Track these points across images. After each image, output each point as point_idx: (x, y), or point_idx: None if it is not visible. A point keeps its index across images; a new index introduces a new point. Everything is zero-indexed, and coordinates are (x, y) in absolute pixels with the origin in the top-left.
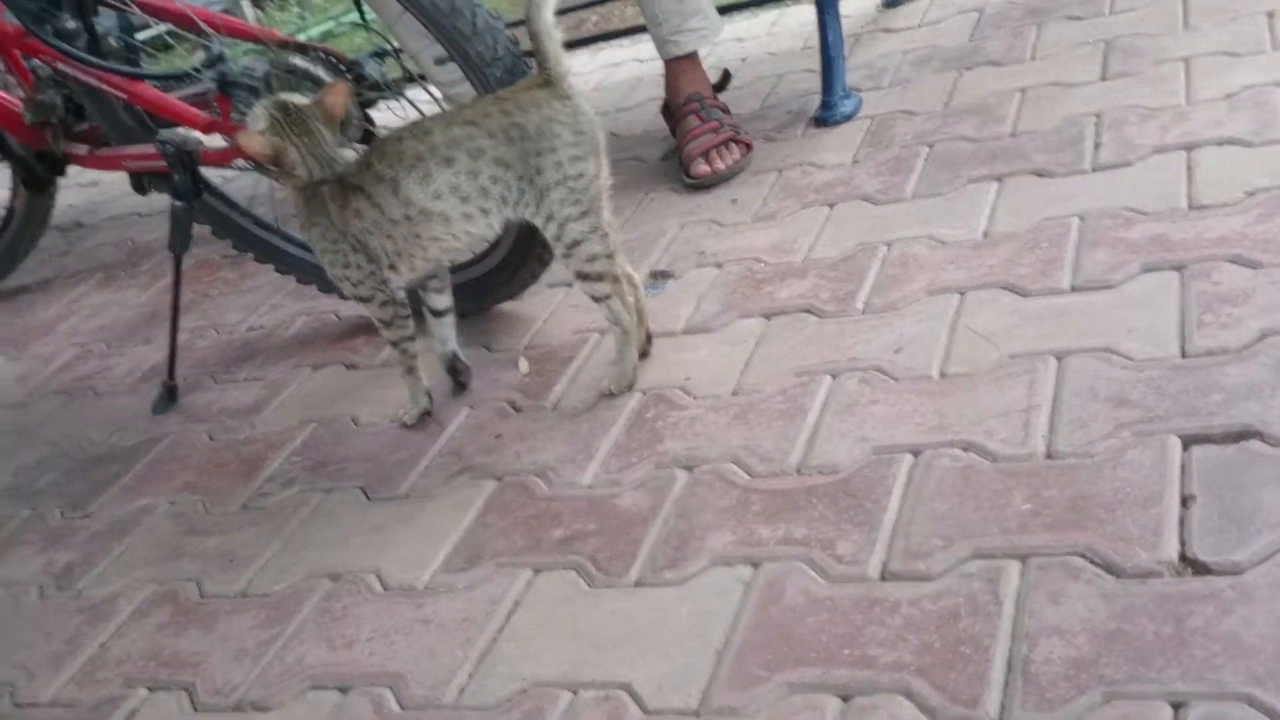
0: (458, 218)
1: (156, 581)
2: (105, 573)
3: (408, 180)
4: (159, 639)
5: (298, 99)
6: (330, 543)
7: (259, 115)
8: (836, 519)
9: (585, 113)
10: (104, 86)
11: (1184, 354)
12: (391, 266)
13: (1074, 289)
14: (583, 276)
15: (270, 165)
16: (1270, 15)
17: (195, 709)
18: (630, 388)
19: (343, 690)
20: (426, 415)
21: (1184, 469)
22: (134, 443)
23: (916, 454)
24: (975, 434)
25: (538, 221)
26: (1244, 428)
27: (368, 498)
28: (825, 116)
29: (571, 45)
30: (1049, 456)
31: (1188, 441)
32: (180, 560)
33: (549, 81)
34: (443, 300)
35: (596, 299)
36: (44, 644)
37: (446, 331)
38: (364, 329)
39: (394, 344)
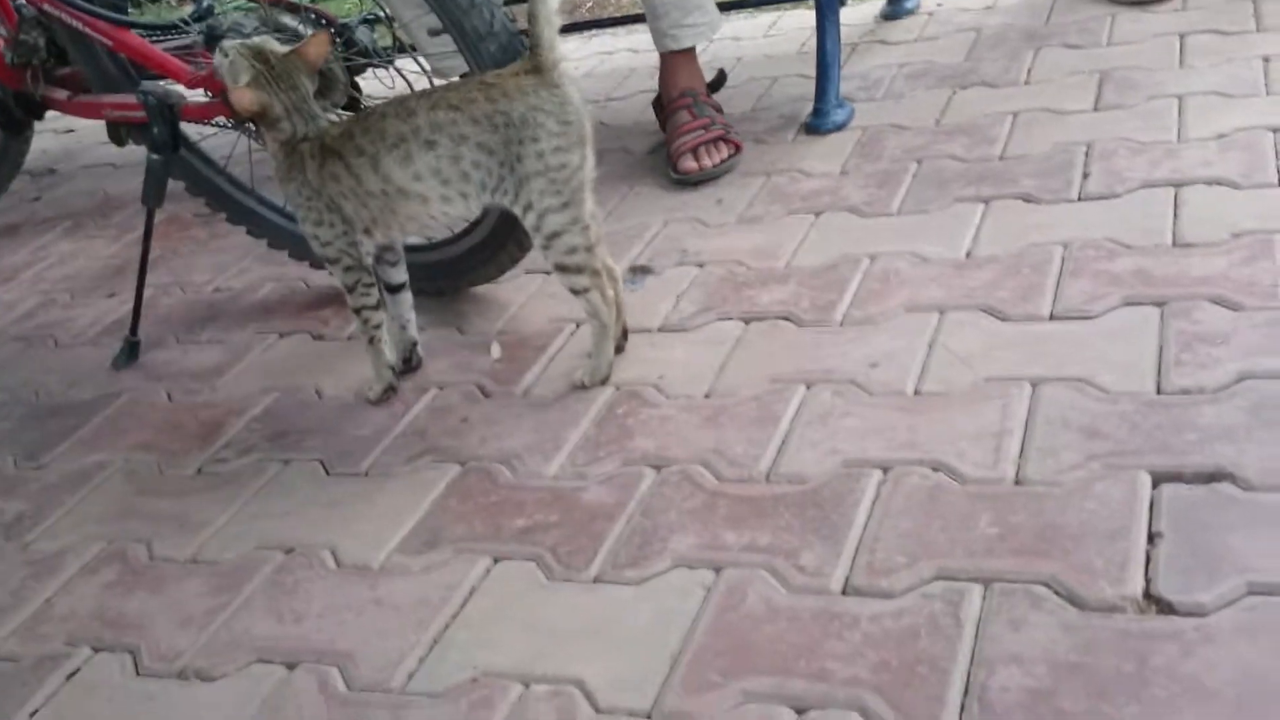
0: (436, 199)
1: (106, 539)
2: (55, 526)
3: (388, 159)
4: (106, 598)
5: (275, 46)
6: (285, 514)
7: (240, 66)
8: (802, 529)
9: (573, 103)
10: (90, 31)
11: (1159, 390)
12: (366, 231)
13: (1053, 317)
14: (561, 269)
15: (255, 120)
16: (1266, 59)
17: (138, 673)
18: (604, 382)
19: (289, 665)
20: (391, 391)
21: (1153, 506)
22: (92, 396)
23: (886, 470)
24: (946, 454)
25: (516, 210)
26: (1216, 469)
27: (327, 471)
28: (817, 124)
29: (565, 30)
30: (1018, 482)
31: (1158, 479)
32: (132, 520)
33: (539, 68)
34: (398, 275)
35: (575, 291)
36: None
37: (406, 312)
38: (333, 299)
39: (357, 311)
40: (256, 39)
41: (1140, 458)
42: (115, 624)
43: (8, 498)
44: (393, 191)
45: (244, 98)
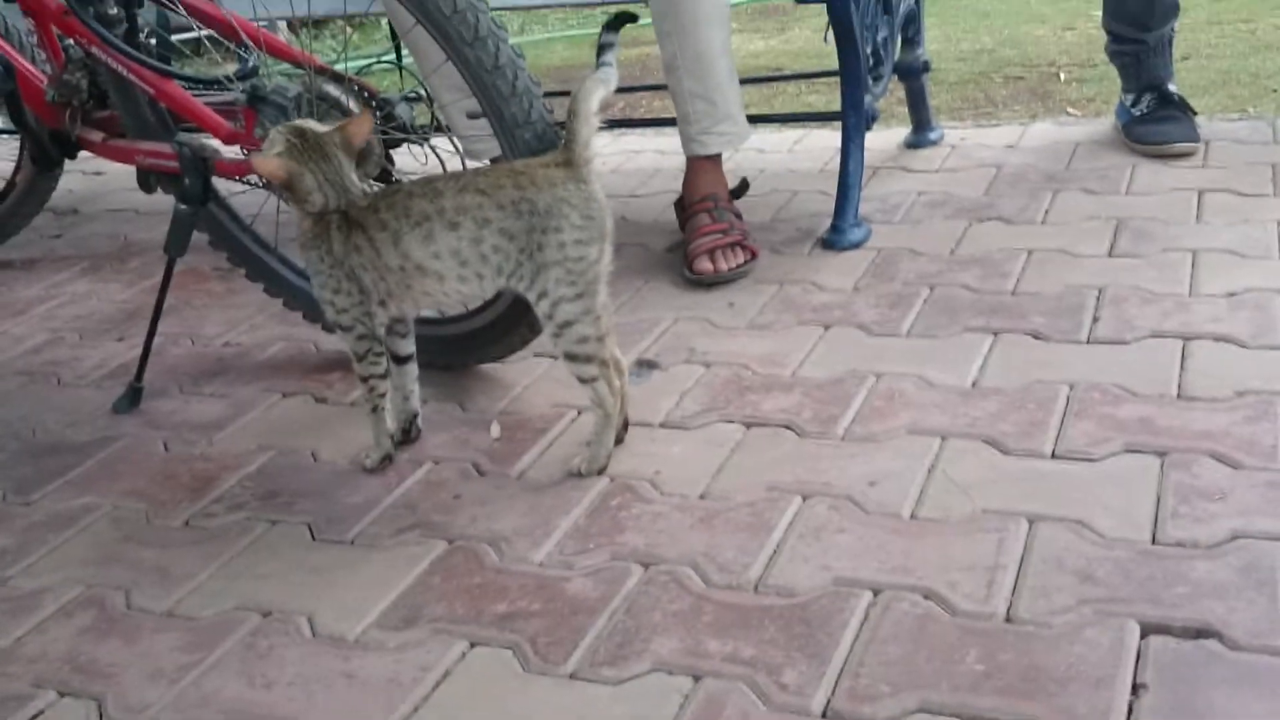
0: (453, 278)
1: (86, 584)
2: (36, 565)
3: (410, 236)
4: (78, 643)
5: (315, 125)
6: (267, 576)
7: (274, 139)
8: (787, 645)
9: (597, 199)
10: (134, 78)
11: (1154, 540)
12: (382, 303)
13: (1055, 455)
14: (571, 357)
15: (284, 189)
16: None
17: None
18: (600, 472)
19: None
20: (388, 461)
21: (1139, 656)
22: (89, 438)
23: (877, 592)
24: (938, 583)
25: (530, 296)
26: (1204, 625)
27: (313, 536)
28: (834, 240)
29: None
30: (1009, 620)
31: (1147, 630)
32: (114, 566)
33: (570, 163)
34: (406, 346)
35: (582, 380)
36: None
37: (410, 384)
38: (340, 364)
39: (364, 379)
40: (298, 121)
41: (1131, 606)
42: (85, 670)
43: None
44: (411, 268)
45: (267, 165)
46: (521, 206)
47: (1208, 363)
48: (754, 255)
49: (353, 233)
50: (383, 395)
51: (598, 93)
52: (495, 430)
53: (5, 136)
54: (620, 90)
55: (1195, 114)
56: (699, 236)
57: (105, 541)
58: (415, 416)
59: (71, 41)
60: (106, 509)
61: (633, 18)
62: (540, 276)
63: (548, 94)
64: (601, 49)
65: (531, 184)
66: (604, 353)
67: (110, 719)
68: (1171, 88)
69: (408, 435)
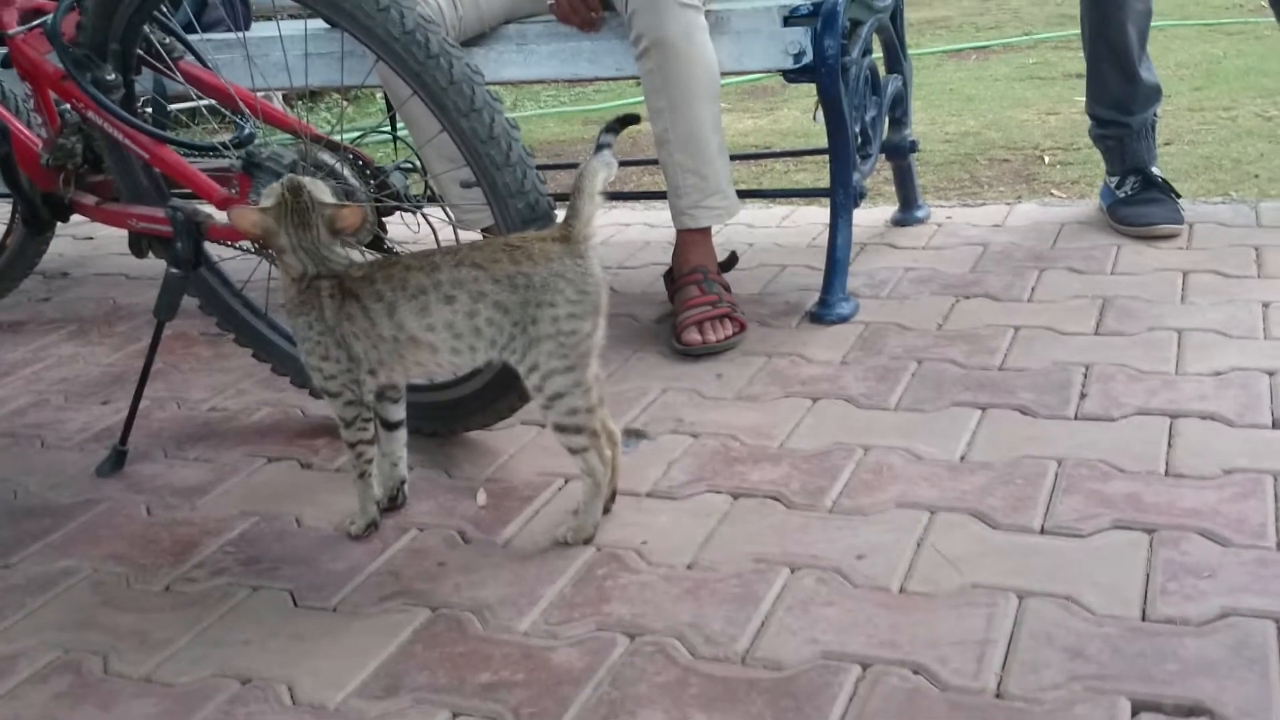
0: (446, 350)
1: (63, 648)
2: (13, 629)
3: (405, 308)
4: (53, 708)
5: (318, 185)
6: (247, 642)
7: (271, 191)
8: (774, 719)
9: (594, 275)
10: (129, 143)
11: (1144, 617)
12: (371, 371)
13: (1044, 530)
14: (561, 429)
15: (261, 245)
16: (1265, 305)
17: None
18: (588, 542)
19: None
20: (373, 528)
21: None
22: (70, 501)
23: (865, 666)
24: (927, 658)
25: (520, 369)
26: (1195, 703)
27: (295, 603)
28: (822, 313)
29: None
30: (999, 695)
31: (1138, 707)
32: (92, 631)
33: (568, 238)
34: (397, 412)
35: (573, 451)
36: None
37: (399, 451)
38: (326, 430)
39: (351, 445)
40: (309, 179)
41: (1121, 683)
42: None
43: None
44: (405, 339)
45: (244, 219)
46: (517, 280)
47: (1195, 440)
48: (742, 328)
49: (346, 301)
50: (369, 461)
51: (602, 173)
52: (481, 498)
53: None
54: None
55: (1179, 196)
56: (688, 308)
57: (84, 605)
58: (403, 483)
59: (68, 106)
60: (86, 572)
61: (635, 119)
62: (532, 350)
63: (540, 167)
64: (600, 147)
65: (528, 259)
66: (593, 423)
67: None
68: (1155, 171)
69: (394, 502)
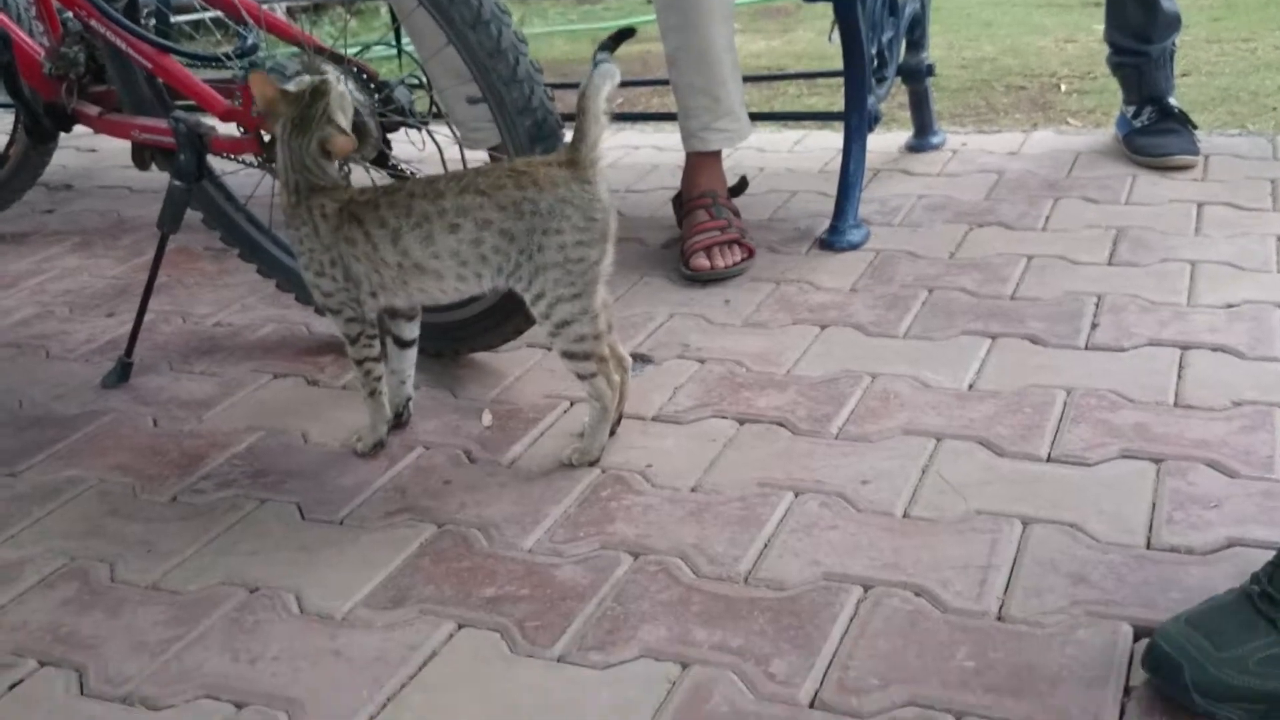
0: (451, 277)
1: (69, 556)
2: (19, 536)
3: (410, 235)
4: (60, 614)
5: (344, 103)
6: (254, 553)
7: (300, 83)
8: (776, 636)
9: (601, 200)
10: (132, 53)
11: (1149, 545)
12: (373, 294)
13: (1050, 459)
14: (568, 355)
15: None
16: (1279, 238)
17: (83, 692)
18: (593, 464)
19: (237, 705)
20: (380, 446)
21: (1132, 659)
22: (76, 412)
23: (867, 588)
24: (929, 581)
25: (527, 296)
26: None
27: (302, 516)
28: (832, 240)
29: None
30: (1000, 618)
31: (1140, 633)
32: (98, 540)
33: (575, 163)
34: (410, 330)
35: (581, 376)
36: None
37: (407, 368)
38: (333, 347)
39: (358, 363)
40: (342, 93)
41: (1124, 610)
42: (66, 641)
43: None
44: (409, 266)
45: (262, 85)
46: (523, 207)
47: (1205, 372)
48: (751, 253)
49: (346, 224)
50: (378, 379)
51: (605, 89)
52: (487, 418)
53: (0, 110)
54: (621, 85)
55: (1195, 128)
56: (696, 233)
57: (90, 515)
58: (408, 401)
59: (70, 14)
60: (93, 482)
61: (631, 32)
62: (539, 277)
63: (547, 86)
64: (598, 63)
65: (534, 184)
66: (601, 350)
67: (91, 690)
68: (1172, 101)
69: (399, 419)
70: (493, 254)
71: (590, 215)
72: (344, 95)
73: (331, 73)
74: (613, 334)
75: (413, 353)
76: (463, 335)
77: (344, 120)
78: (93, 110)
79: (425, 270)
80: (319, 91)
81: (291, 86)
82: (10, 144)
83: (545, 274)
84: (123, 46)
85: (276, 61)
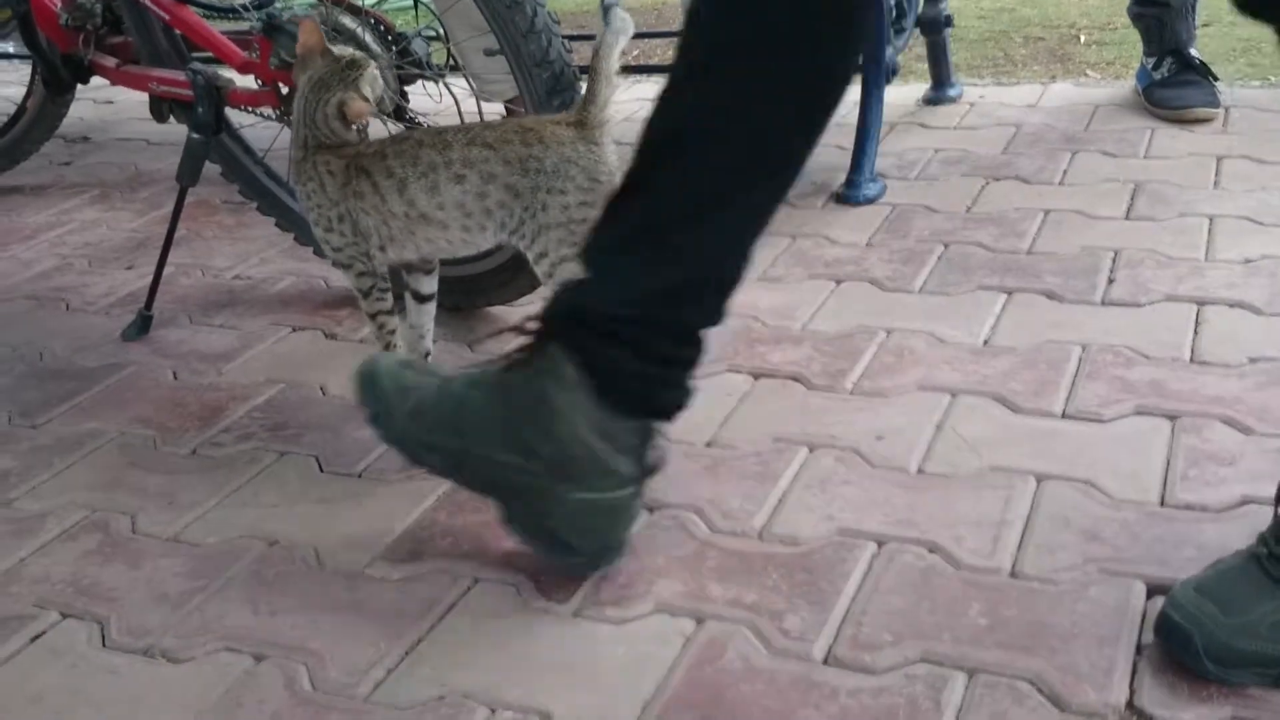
0: (456, 229)
1: (90, 508)
2: (41, 488)
3: (416, 185)
4: (82, 565)
5: (374, 81)
6: (274, 506)
7: (341, 52)
8: (789, 592)
9: (607, 162)
10: (149, 3)
11: (1163, 503)
12: (381, 248)
13: (1065, 415)
14: None
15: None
16: None
17: (104, 644)
18: None
19: (257, 658)
20: None
21: (1144, 617)
22: (96, 364)
23: (881, 544)
24: (943, 537)
25: (530, 255)
26: None
27: (321, 469)
28: (848, 195)
29: None
30: (1013, 575)
31: (1153, 590)
32: (119, 492)
33: (583, 123)
34: (429, 285)
35: None
36: None
37: (426, 322)
38: (350, 301)
39: (371, 316)
40: (378, 72)
41: (1137, 567)
42: (88, 592)
43: None
44: (415, 216)
45: (311, 33)
46: (529, 164)
47: (1222, 328)
48: None
49: (354, 177)
50: (392, 332)
51: (618, 47)
52: None
53: (17, 61)
54: (636, 37)
55: (1216, 80)
56: None
57: (111, 467)
58: (426, 355)
59: None
60: (113, 435)
61: None
62: (541, 236)
63: (565, 37)
64: (608, 8)
65: (539, 141)
66: None
67: (112, 641)
68: (1193, 52)
69: None
70: (497, 209)
71: (594, 176)
72: (378, 80)
73: (372, 65)
74: None
75: (431, 307)
76: (479, 289)
77: (370, 93)
78: (110, 62)
79: (431, 221)
80: (357, 64)
81: (332, 50)
82: (27, 95)
83: (547, 233)
84: None
85: (294, 13)
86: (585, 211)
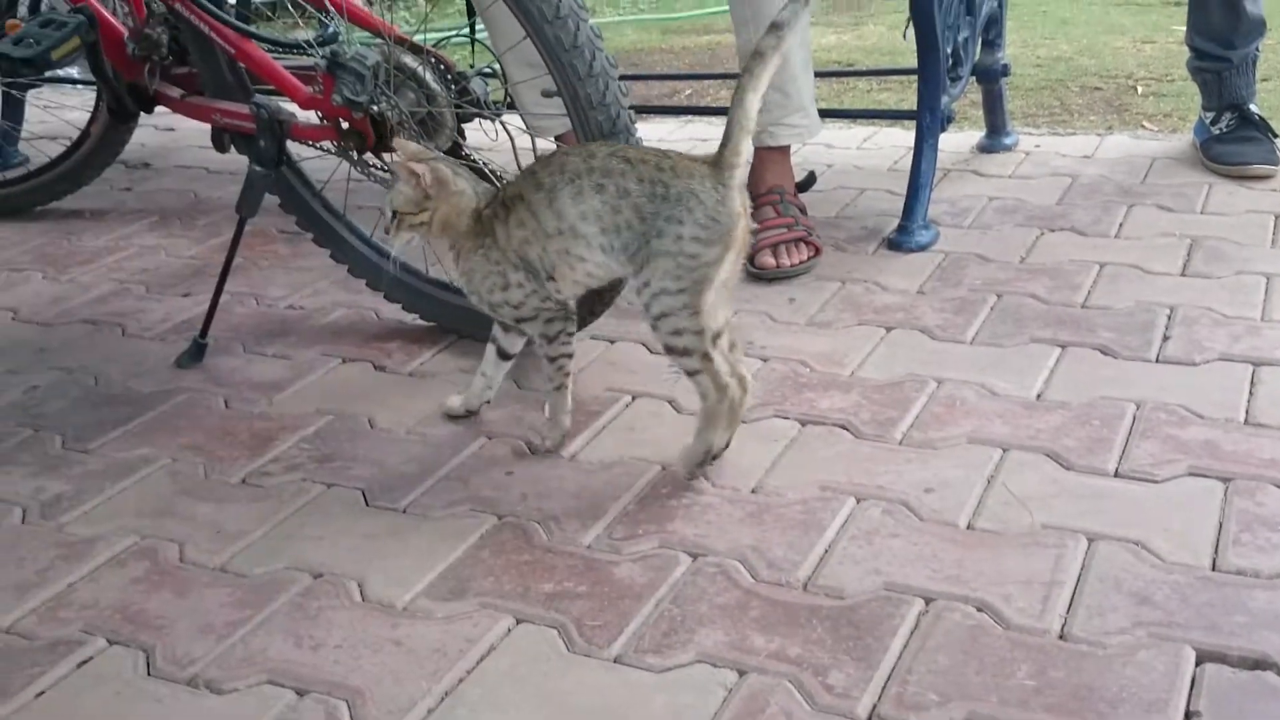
0: (596, 247)
1: (140, 534)
2: (92, 513)
3: (563, 192)
4: (130, 593)
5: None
6: (320, 538)
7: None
8: (834, 646)
9: (730, 206)
10: (215, 37)
11: (1214, 567)
12: (550, 278)
13: (1117, 474)
14: (669, 349)
15: (431, 192)
16: None
17: (149, 672)
18: (693, 475)
19: (299, 692)
20: (564, 441)
21: (1194, 683)
22: (150, 390)
23: (928, 600)
24: (992, 595)
25: (635, 283)
26: (1262, 657)
27: (366, 502)
28: (900, 240)
29: (662, 111)
30: (1062, 637)
31: (1202, 657)
32: (168, 519)
33: (717, 163)
34: (514, 345)
35: (687, 373)
36: (14, 569)
37: (498, 377)
38: (401, 333)
39: (552, 359)
40: (444, 162)
41: (1187, 632)
42: (135, 620)
43: (50, 477)
44: (565, 230)
45: (419, 165)
46: (656, 189)
47: (1277, 390)
48: (817, 252)
49: (513, 210)
50: (568, 374)
51: (756, 94)
52: (549, 411)
53: (82, 87)
54: (688, 78)
55: (1276, 136)
56: (763, 230)
57: (161, 493)
58: (486, 403)
59: None
60: (164, 461)
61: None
62: (650, 264)
63: (620, 78)
64: (776, 26)
65: (671, 170)
66: (704, 346)
67: (157, 669)
68: (1253, 108)
69: (471, 413)
70: (624, 228)
71: (714, 216)
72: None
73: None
74: (737, 352)
75: (508, 366)
76: None
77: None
78: (175, 92)
79: (577, 235)
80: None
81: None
82: (92, 121)
83: (655, 262)
84: (206, 30)
85: (357, 51)
86: (697, 248)
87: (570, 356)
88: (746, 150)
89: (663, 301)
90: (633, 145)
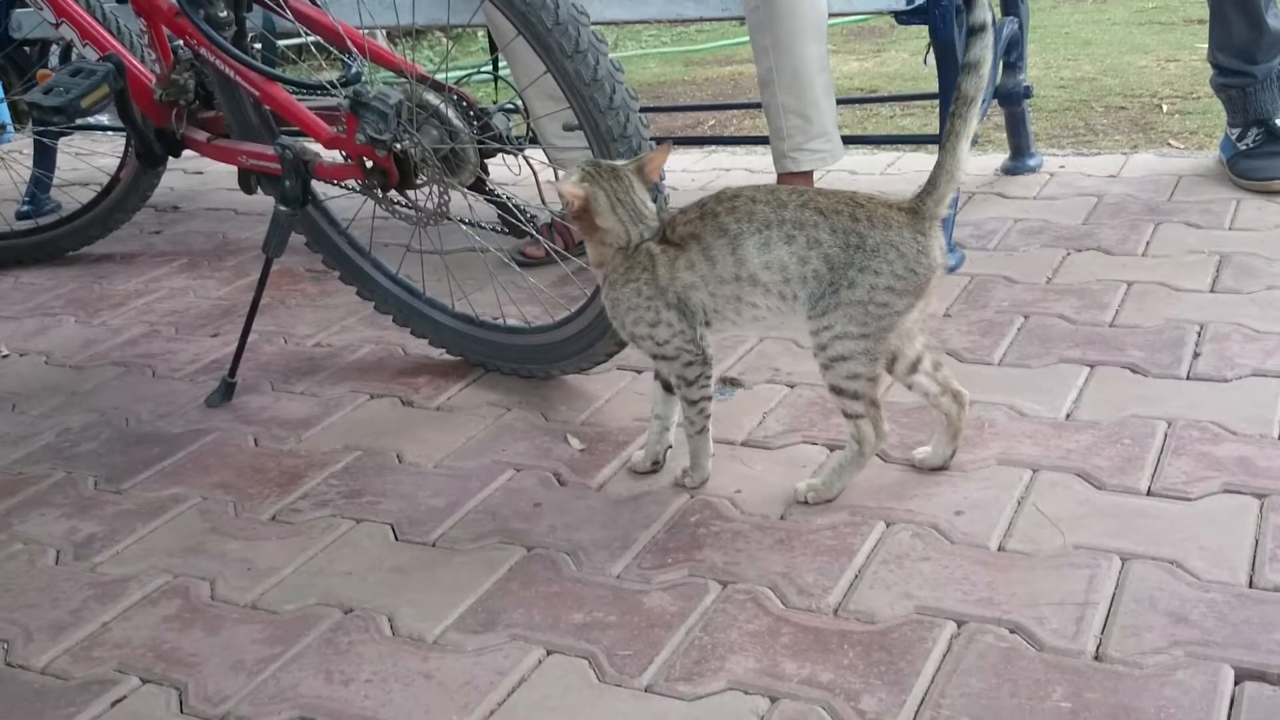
0: (775, 295)
1: (172, 573)
2: (124, 553)
3: (750, 241)
4: (162, 631)
5: (612, 161)
6: (349, 574)
7: (571, 171)
8: (866, 671)
9: (929, 256)
10: (240, 80)
11: (1251, 584)
12: (707, 322)
13: (1150, 493)
14: (837, 390)
15: (579, 217)
16: None
17: (182, 710)
18: (827, 502)
19: None
20: (705, 482)
21: (1233, 702)
22: (180, 430)
23: (960, 623)
24: (1025, 617)
25: (810, 325)
26: None
27: (396, 536)
28: None
29: (686, 142)
30: (1097, 658)
31: (1241, 675)
32: (200, 557)
33: (917, 212)
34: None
35: (847, 415)
36: (48, 609)
37: (672, 414)
38: (428, 368)
39: (692, 403)
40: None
41: (1225, 651)
42: (167, 658)
43: (83, 517)
44: (744, 277)
45: (567, 185)
46: (851, 239)
47: None
48: None
49: (684, 250)
50: (709, 417)
51: (968, 146)
52: (575, 442)
53: (112, 133)
54: (710, 109)
55: None
56: None
57: (193, 532)
58: (668, 449)
59: (181, 43)
60: (195, 500)
61: None
62: (835, 311)
63: (641, 109)
64: (968, 68)
65: (868, 219)
66: (874, 393)
67: (190, 708)
68: (1278, 122)
69: (656, 465)
70: (812, 278)
71: (912, 267)
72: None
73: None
74: (944, 370)
75: (676, 400)
76: (554, 356)
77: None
78: (201, 136)
79: (756, 283)
80: (592, 163)
81: (576, 175)
82: (121, 166)
83: (843, 309)
84: (231, 74)
85: (380, 90)
86: (889, 297)
87: (710, 399)
88: (947, 200)
89: (844, 345)
90: (824, 190)
